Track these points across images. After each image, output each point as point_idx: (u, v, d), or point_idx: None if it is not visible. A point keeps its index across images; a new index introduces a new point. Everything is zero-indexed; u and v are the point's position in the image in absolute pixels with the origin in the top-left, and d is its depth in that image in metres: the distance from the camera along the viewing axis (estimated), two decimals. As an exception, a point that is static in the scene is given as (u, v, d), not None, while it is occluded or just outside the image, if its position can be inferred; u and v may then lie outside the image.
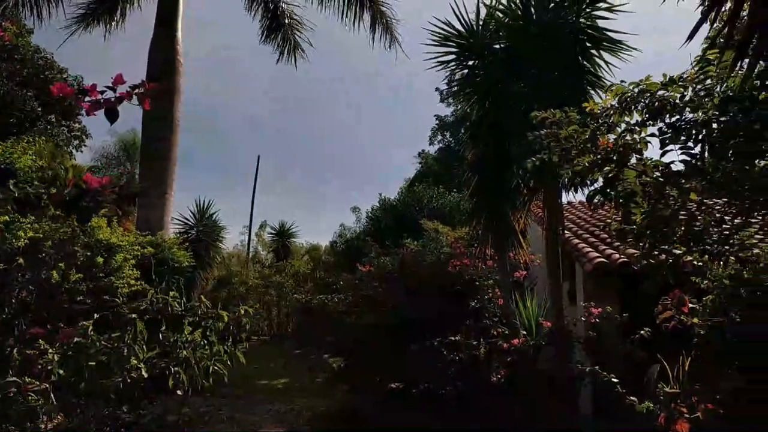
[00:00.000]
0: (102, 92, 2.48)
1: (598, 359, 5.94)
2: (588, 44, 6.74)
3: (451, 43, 7.28)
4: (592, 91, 6.60)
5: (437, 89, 30.45)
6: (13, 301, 5.47)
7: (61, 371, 4.22)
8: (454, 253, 8.39)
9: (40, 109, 23.96)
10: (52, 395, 3.99)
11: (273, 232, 23.55)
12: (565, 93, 6.23)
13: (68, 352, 4.40)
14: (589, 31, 6.72)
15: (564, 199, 7.65)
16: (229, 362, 5.91)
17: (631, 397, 4.50)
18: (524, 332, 6.94)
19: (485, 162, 7.32)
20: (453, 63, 7.38)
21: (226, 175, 48.56)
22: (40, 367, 3.86)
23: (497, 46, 7.25)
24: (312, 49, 15.30)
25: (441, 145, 32.53)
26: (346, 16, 14.22)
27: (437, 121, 32.52)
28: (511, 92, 6.95)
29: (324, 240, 30.10)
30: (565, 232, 8.40)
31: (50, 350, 3.89)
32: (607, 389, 5.14)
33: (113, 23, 14.72)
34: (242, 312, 6.20)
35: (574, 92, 6.32)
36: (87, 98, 2.40)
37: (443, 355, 6.77)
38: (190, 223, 15.25)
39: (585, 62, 6.74)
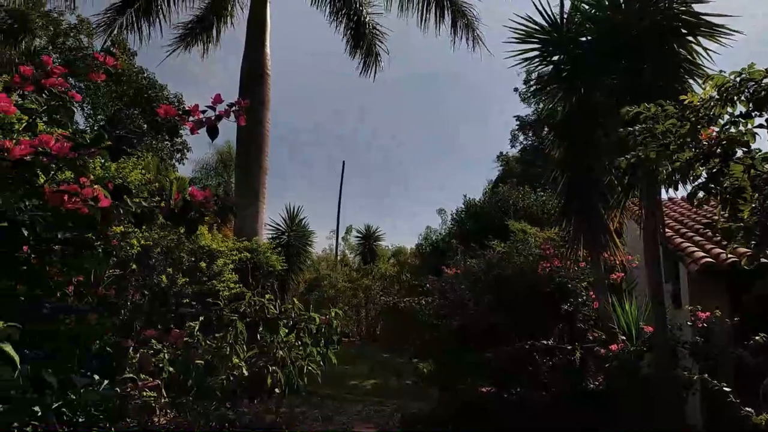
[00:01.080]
0: (203, 111, 2.67)
1: (707, 366, 5.51)
2: (683, 30, 6.29)
3: (533, 40, 7.09)
4: (690, 80, 6.15)
5: (515, 89, 29.75)
6: (129, 303, 5.98)
7: (171, 369, 4.58)
8: (543, 254, 8.14)
9: (145, 126, 26.00)
10: (164, 392, 4.34)
11: (359, 235, 24.03)
12: (659, 84, 5.87)
13: (177, 351, 4.76)
14: (683, 16, 6.27)
15: (663, 196, 7.20)
16: (321, 363, 6.12)
17: (747, 408, 4.14)
18: (623, 337, 6.59)
19: (574, 160, 7.05)
20: (536, 60, 7.17)
21: (310, 181, 50.21)
22: (153, 366, 4.21)
23: (583, 39, 6.96)
24: (391, 54, 15.52)
25: (523, 145, 31.67)
26: (426, 20, 14.28)
27: (517, 122, 31.72)
28: (599, 87, 6.65)
29: (408, 243, 30.29)
30: (666, 230, 7.88)
31: (163, 350, 4.24)
32: (717, 399, 4.76)
33: (209, 42, 15.74)
34: (333, 314, 6.40)
35: (669, 83, 5.93)
36: (190, 118, 2.60)
37: (535, 360, 6.59)
38: (281, 228, 15.93)
39: (680, 50, 6.30)
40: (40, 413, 2.37)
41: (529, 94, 27.70)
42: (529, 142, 31.12)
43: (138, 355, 4.22)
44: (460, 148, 54.23)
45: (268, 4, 13.94)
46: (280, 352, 5.82)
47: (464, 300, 7.88)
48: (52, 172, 2.22)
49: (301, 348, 6.07)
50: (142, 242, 6.36)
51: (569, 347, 6.63)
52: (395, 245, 25.13)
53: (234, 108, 2.75)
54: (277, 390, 5.60)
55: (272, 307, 6.13)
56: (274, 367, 5.65)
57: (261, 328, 5.95)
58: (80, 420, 3.03)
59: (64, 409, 2.73)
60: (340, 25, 15.28)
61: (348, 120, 53.46)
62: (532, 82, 25.31)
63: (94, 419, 3.18)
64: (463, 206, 19.70)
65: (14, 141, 2.28)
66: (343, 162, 25.49)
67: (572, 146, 7.12)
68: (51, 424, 2.35)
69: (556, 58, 7.16)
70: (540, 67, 7.30)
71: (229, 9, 15.55)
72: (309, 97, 50.70)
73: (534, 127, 30.27)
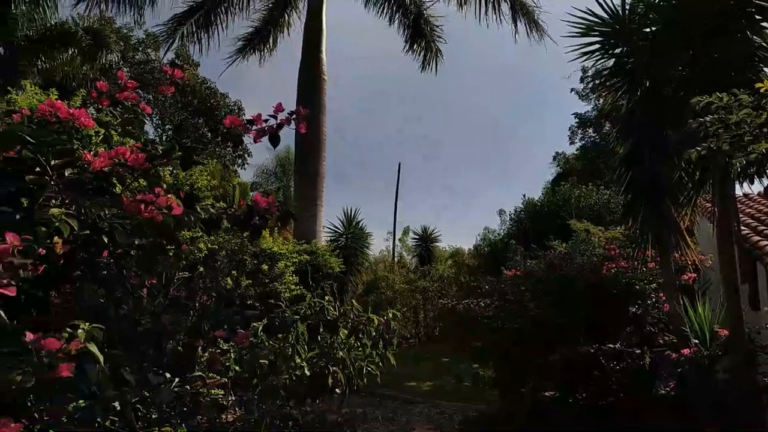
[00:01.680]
0: (265, 120, 2.76)
1: (791, 373, 5.16)
2: (757, 17, 5.91)
3: (594, 33, 6.87)
4: (766, 69, 5.77)
5: (572, 90, 28.89)
6: (197, 305, 6.24)
7: (237, 368, 4.74)
8: (607, 254, 7.86)
9: (209, 134, 27.10)
10: (231, 390, 4.49)
11: (416, 237, 24.01)
12: (731, 73, 5.54)
13: (243, 351, 4.93)
14: (756, 1, 5.89)
15: (738, 191, 6.79)
16: (380, 364, 6.16)
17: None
18: (696, 341, 6.26)
19: (639, 155, 6.76)
20: (597, 54, 6.95)
21: (367, 182, 50.63)
22: (221, 365, 4.37)
23: (647, 30, 6.68)
24: (448, 52, 15.49)
25: (583, 142, 30.66)
26: (487, 14, 14.16)
27: (576, 119, 30.74)
28: (665, 78, 6.35)
29: (466, 244, 29.97)
30: (742, 228, 7.43)
31: (229, 350, 4.39)
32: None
33: (266, 51, 16.24)
34: (391, 316, 6.43)
35: (742, 72, 5.59)
36: (254, 127, 2.69)
37: (602, 364, 6.37)
38: (339, 231, 16.17)
39: (754, 37, 5.92)
40: (119, 409, 2.52)
41: (587, 91, 26.83)
42: (590, 139, 30.13)
43: (206, 354, 4.39)
44: (517, 147, 53.25)
45: (323, 13, 14.22)
46: (340, 353, 5.90)
47: (525, 302, 7.72)
48: (128, 182, 2.36)
49: (360, 349, 6.14)
50: (209, 246, 6.63)
51: (638, 351, 6.36)
52: (453, 246, 24.93)
53: (294, 116, 2.83)
54: (338, 390, 5.68)
55: (332, 309, 6.22)
56: (334, 368, 5.74)
57: (321, 329, 6.05)
58: (154, 416, 3.17)
59: (138, 406, 2.88)
60: (396, 23, 15.38)
61: (405, 120, 53.63)
62: (590, 78, 24.55)
63: (166, 416, 3.33)
64: (521, 206, 19.32)
65: (93, 153, 2.44)
66: (399, 164, 25.62)
67: (637, 141, 6.84)
68: (129, 420, 2.49)
69: (618, 50, 6.91)
70: (601, 61, 7.06)
71: (286, 18, 15.99)
72: (365, 98, 51.22)
73: (594, 124, 29.31)
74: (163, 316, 3.13)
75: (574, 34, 6.92)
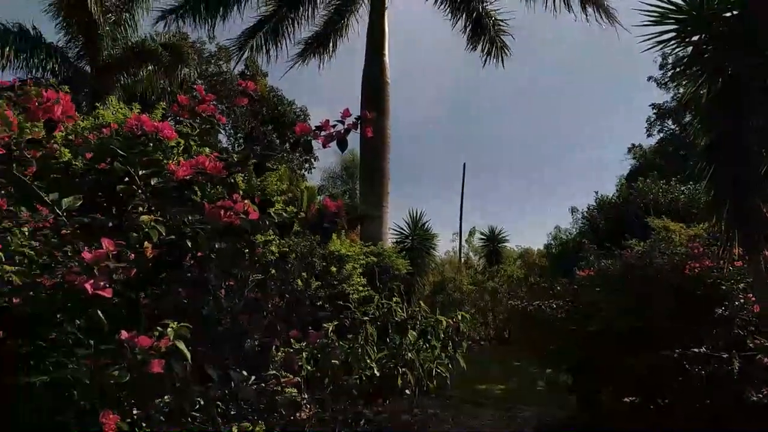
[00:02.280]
0: (333, 126, 2.83)
1: None
2: None
3: (669, 21, 6.51)
4: None
5: (650, 78, 27.43)
6: (270, 306, 6.46)
7: (309, 368, 4.87)
8: (690, 253, 7.41)
9: (278, 140, 27.99)
10: (304, 389, 4.62)
11: (483, 237, 23.69)
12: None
13: (314, 351, 5.06)
14: None
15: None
16: (450, 366, 6.13)
17: None
18: (792, 345, 5.79)
19: (723, 147, 6.33)
20: (673, 42, 6.57)
21: (432, 183, 50.46)
22: (295, 365, 4.51)
23: (728, 15, 6.25)
24: (513, 46, 15.21)
25: (661, 135, 29.07)
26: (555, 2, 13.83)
27: (654, 111, 29.17)
28: (750, 65, 5.92)
29: (536, 243, 29.22)
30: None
31: (302, 350, 4.53)
32: None
33: (326, 55, 16.58)
34: (459, 317, 6.38)
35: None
36: (322, 133, 2.77)
37: (686, 369, 6.02)
38: (405, 233, 16.22)
39: None
40: (203, 404, 2.66)
41: (666, 80, 25.45)
42: (669, 131, 28.56)
43: (280, 353, 4.55)
44: (586, 142, 51.32)
45: (386, 16, 14.34)
46: (409, 355, 5.92)
47: (600, 304, 7.43)
48: (208, 190, 2.50)
49: (429, 351, 6.13)
50: (281, 249, 6.86)
51: (725, 356, 5.97)
52: (521, 246, 24.41)
53: (360, 121, 2.88)
54: (407, 391, 5.70)
55: (400, 310, 6.26)
56: (404, 369, 5.77)
57: (390, 331, 6.10)
58: (233, 413, 3.31)
59: (219, 402, 3.02)
60: (460, 21, 15.26)
61: (469, 119, 53.05)
62: (670, 66, 23.27)
63: (244, 413, 3.48)
64: (594, 203, 18.61)
65: (175, 163, 2.59)
66: (464, 164, 25.28)
67: (721, 133, 6.41)
68: (212, 415, 2.63)
69: (696, 38, 6.52)
70: (678, 50, 6.68)
71: (346, 22, 16.24)
72: (430, 98, 51.11)
73: (673, 115, 27.75)
74: (240, 316, 3.28)
75: (648, 23, 6.60)
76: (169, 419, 2.22)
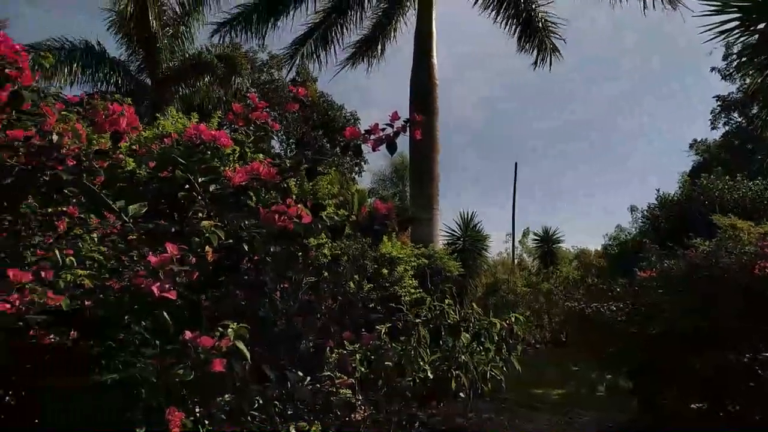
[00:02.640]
0: (382, 129, 2.85)
1: None
2: None
3: (731, 9, 6.19)
4: None
5: (713, 69, 26.03)
6: (323, 308, 6.56)
7: (363, 369, 4.91)
8: (760, 252, 6.99)
9: (328, 145, 28.30)
10: (358, 390, 4.66)
11: (537, 238, 23.18)
12: None
13: (367, 353, 5.10)
14: None
15: None
16: (504, 369, 6.03)
17: None
18: None
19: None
20: (737, 31, 6.25)
21: (483, 183, 49.79)
22: (349, 366, 4.56)
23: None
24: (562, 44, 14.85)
25: (727, 128, 27.54)
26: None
27: (719, 103, 27.64)
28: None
29: (592, 244, 28.35)
30: None
31: (356, 351, 4.57)
32: None
33: (374, 58, 16.71)
34: (513, 320, 6.27)
35: None
36: (372, 137, 2.79)
37: (756, 373, 5.68)
38: (456, 234, 16.11)
39: None
40: (261, 403, 2.73)
41: (731, 71, 24.13)
42: (734, 124, 27.04)
43: (334, 355, 4.61)
44: (644, 139, 49.35)
45: (433, 18, 14.31)
46: (463, 357, 5.87)
47: (663, 306, 7.12)
48: (262, 195, 2.57)
49: (483, 353, 6.06)
50: (333, 252, 6.95)
51: (803, 361, 5.59)
52: (577, 247, 23.72)
53: (409, 123, 2.89)
54: (462, 394, 5.66)
55: (452, 312, 6.22)
56: (457, 372, 5.72)
57: (443, 333, 6.07)
58: (290, 413, 3.38)
59: (276, 402, 3.09)
60: (508, 22, 15.03)
61: (520, 117, 52.15)
62: (734, 56, 22.06)
63: (300, 413, 3.54)
64: (656, 202, 17.86)
65: (231, 169, 2.68)
66: (516, 163, 24.85)
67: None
68: (270, 414, 2.70)
69: (761, 25, 6.17)
70: (742, 39, 6.35)
71: (394, 25, 16.30)
72: (480, 97, 50.56)
73: (739, 107, 26.26)
74: (295, 318, 3.35)
75: (709, 13, 6.30)
76: (230, 418, 2.30)
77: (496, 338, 5.99)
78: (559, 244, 22.52)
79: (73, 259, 2.86)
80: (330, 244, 6.80)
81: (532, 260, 24.34)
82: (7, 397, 2.14)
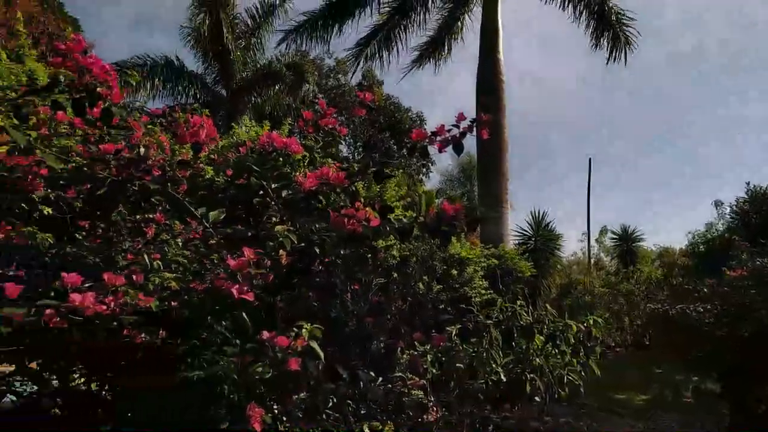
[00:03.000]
0: (448, 130, 2.84)
1: None
2: None
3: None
4: None
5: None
6: (393, 309, 6.60)
7: (434, 370, 4.90)
8: None
9: (395, 147, 28.57)
10: (430, 392, 4.66)
11: (615, 236, 22.18)
12: None
13: (438, 354, 5.08)
14: None
15: None
16: (582, 373, 5.81)
17: None
18: None
19: None
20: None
21: (555, 180, 48.26)
22: (420, 367, 4.56)
23: None
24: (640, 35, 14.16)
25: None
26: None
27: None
28: None
29: (675, 242, 26.80)
30: None
31: (426, 353, 4.57)
32: None
33: (441, 58, 16.64)
34: (591, 322, 6.03)
35: None
36: (438, 138, 2.79)
37: None
38: (527, 233, 15.72)
39: None
40: (335, 402, 2.80)
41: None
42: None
43: (405, 355, 4.63)
44: (724, 132, 46.02)
45: (499, 14, 14.08)
46: (537, 360, 5.72)
47: (754, 305, 6.62)
48: (332, 198, 2.63)
49: (558, 356, 5.88)
50: (401, 253, 6.98)
51: None
52: (659, 245, 22.49)
53: (476, 123, 2.87)
54: (537, 398, 5.51)
55: (524, 314, 6.08)
56: (532, 375, 5.58)
57: (515, 335, 5.94)
58: (362, 412, 3.43)
59: (349, 402, 3.15)
60: (580, 16, 14.54)
61: (593, 111, 50.13)
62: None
63: (373, 412, 3.58)
64: (745, 196, 16.60)
65: (302, 175, 2.77)
66: (590, 158, 23.89)
67: None
68: (344, 413, 2.75)
69: None
70: None
71: (460, 24, 16.17)
72: (549, 93, 49.13)
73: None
74: (365, 319, 3.40)
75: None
76: (306, 415, 2.37)
77: (573, 341, 5.79)
78: (640, 243, 21.45)
79: (160, 263, 3.06)
80: (398, 246, 6.84)
81: (610, 260, 23.32)
82: (104, 392, 2.32)
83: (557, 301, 15.45)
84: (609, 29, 14.25)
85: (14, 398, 2.15)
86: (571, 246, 28.41)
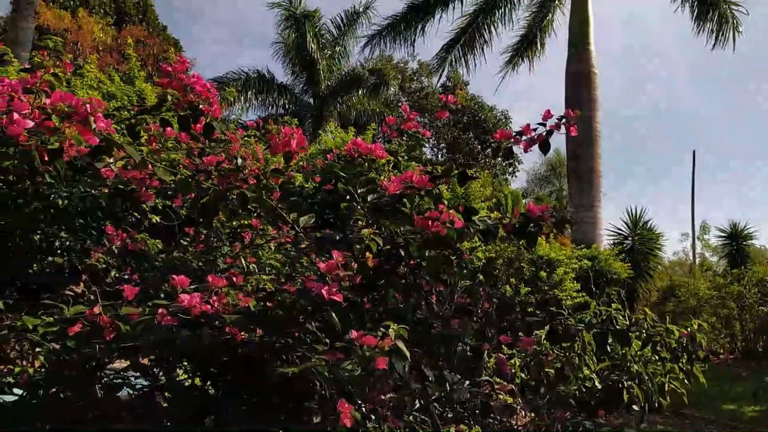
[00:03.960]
0: (534, 129, 2.80)
1: None
2: None
3: None
4: None
5: None
6: (479, 311, 6.53)
7: (522, 375, 4.80)
8: None
9: (479, 146, 28.19)
10: (518, 395, 4.57)
11: (722, 235, 20.49)
12: None
13: (527, 358, 4.97)
14: None
15: None
16: (686, 381, 5.45)
17: None
18: None
19: None
20: None
21: (655, 176, 45.32)
22: (508, 370, 4.49)
23: None
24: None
25: None
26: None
27: None
28: None
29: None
30: None
31: (514, 356, 4.49)
32: None
33: (534, 56, 16.20)
34: (695, 327, 5.64)
35: None
36: (523, 137, 2.76)
37: None
38: (623, 233, 14.93)
39: None
40: (422, 403, 2.84)
41: None
42: None
43: (492, 359, 4.57)
44: None
45: (589, 2, 13.52)
46: (635, 367, 5.43)
47: None
48: (416, 201, 2.68)
49: (659, 363, 5.55)
50: (487, 255, 6.91)
51: None
52: (774, 244, 20.48)
53: (564, 120, 2.80)
54: (635, 407, 5.24)
55: (620, 318, 5.79)
56: (629, 382, 5.31)
57: (611, 340, 5.68)
58: (449, 415, 3.43)
59: (435, 404, 3.17)
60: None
61: (696, 102, 46.59)
62: None
63: (460, 415, 3.58)
64: None
65: (387, 179, 2.84)
66: (694, 152, 22.28)
67: None
68: (432, 414, 2.78)
69: None
70: None
71: (551, 18, 15.68)
72: (647, 84, 46.29)
73: None
74: (452, 321, 3.41)
75: None
76: (393, 414, 2.43)
77: (674, 346, 5.44)
78: (752, 241, 19.64)
79: (255, 266, 3.26)
80: (483, 247, 6.77)
81: (717, 260, 21.57)
82: (206, 387, 2.51)
83: (658, 305, 14.54)
84: (716, 10, 13.19)
85: (130, 391, 2.39)
86: (672, 246, 26.61)
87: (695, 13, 13.62)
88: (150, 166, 2.32)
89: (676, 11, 14.00)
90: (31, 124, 1.95)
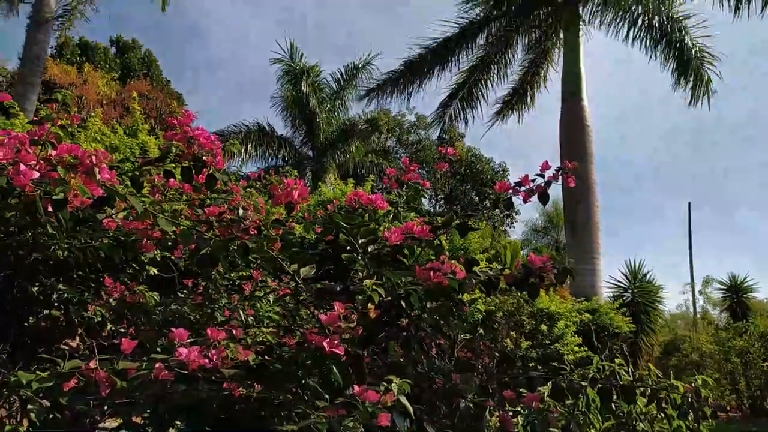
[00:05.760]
0: (533, 180, 2.83)
1: None
2: None
3: None
4: None
5: None
6: (480, 366, 6.38)
7: (526, 432, 4.64)
8: None
9: (477, 198, 28.41)
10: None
11: (722, 287, 20.37)
12: None
13: (530, 416, 4.83)
14: None
15: None
16: (693, 439, 5.28)
17: None
18: None
19: None
20: None
21: (652, 228, 45.50)
22: (512, 428, 4.35)
23: None
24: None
25: None
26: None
27: None
28: None
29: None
30: None
31: (518, 414, 4.36)
32: None
33: (523, 109, 16.64)
34: (699, 382, 5.52)
35: None
36: (522, 188, 2.78)
37: None
38: (623, 285, 14.84)
39: None
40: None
41: None
42: None
43: (494, 416, 4.44)
44: None
45: (581, 57, 13.98)
46: (641, 425, 5.27)
47: None
48: (417, 252, 2.68)
49: (665, 421, 5.40)
50: (487, 307, 6.84)
51: None
52: (774, 297, 20.34)
53: (561, 171, 2.83)
54: (647, 466, 5.05)
55: (624, 373, 5.67)
56: (635, 440, 5.14)
57: (615, 396, 5.54)
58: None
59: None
60: (661, 56, 14.08)
61: (685, 155, 47.41)
62: None
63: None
64: None
65: (387, 230, 2.84)
66: (689, 203, 22.46)
67: None
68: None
69: None
70: None
71: (542, 72, 16.19)
72: (636, 136, 47.25)
73: None
74: (453, 375, 3.32)
75: None
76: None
77: (680, 403, 5.30)
78: (752, 294, 19.51)
79: (253, 318, 3.22)
80: (483, 299, 6.71)
81: (719, 313, 21.38)
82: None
83: (661, 360, 14.28)
84: (689, 70, 13.63)
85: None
86: (673, 300, 26.46)
87: (673, 72, 14.08)
88: (152, 217, 2.32)
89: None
90: (37, 175, 1.97)
